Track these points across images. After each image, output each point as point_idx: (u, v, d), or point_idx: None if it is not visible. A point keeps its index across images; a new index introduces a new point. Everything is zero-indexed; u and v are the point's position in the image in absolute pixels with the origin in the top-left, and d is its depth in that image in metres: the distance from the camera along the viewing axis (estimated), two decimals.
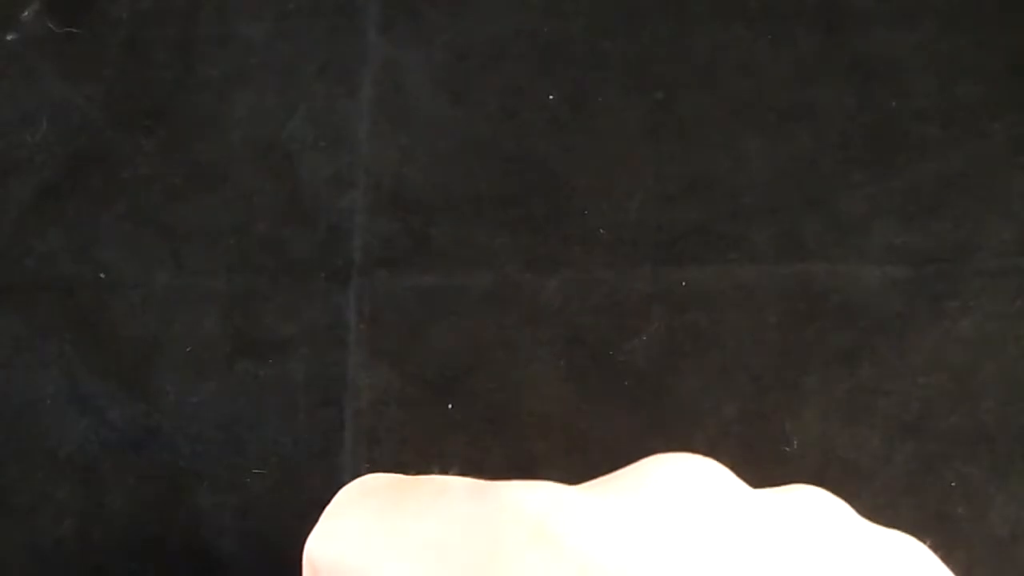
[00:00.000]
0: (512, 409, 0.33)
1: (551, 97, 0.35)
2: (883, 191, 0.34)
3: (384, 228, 0.34)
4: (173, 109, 0.35)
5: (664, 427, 0.33)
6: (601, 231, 0.34)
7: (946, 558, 0.32)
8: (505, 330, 0.33)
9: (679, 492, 0.18)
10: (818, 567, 0.18)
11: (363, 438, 0.32)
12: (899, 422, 0.33)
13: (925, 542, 0.20)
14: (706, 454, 0.32)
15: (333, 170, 0.35)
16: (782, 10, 0.36)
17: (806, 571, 0.17)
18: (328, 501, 0.22)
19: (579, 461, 0.32)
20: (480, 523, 0.18)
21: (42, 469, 0.32)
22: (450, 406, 0.33)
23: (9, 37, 0.35)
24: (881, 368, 0.33)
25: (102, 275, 0.34)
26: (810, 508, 0.19)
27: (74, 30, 0.35)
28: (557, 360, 0.33)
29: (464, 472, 0.32)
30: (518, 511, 0.18)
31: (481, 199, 0.34)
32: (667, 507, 0.18)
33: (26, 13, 0.35)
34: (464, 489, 0.19)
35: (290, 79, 0.35)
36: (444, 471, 0.32)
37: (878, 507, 0.32)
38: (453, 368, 0.33)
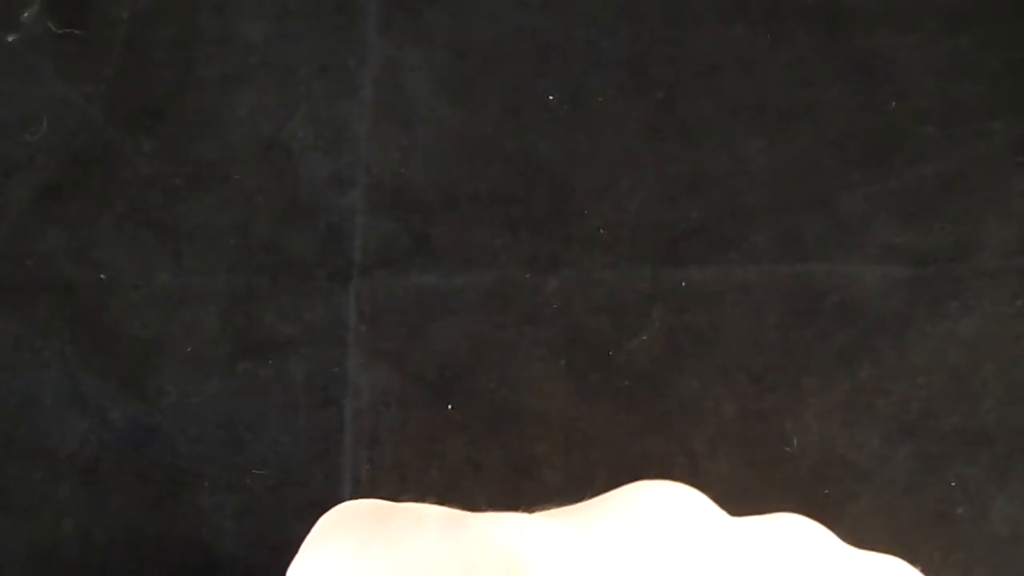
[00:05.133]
0: (512, 409, 0.33)
1: (551, 97, 0.35)
2: (883, 191, 0.34)
3: (384, 228, 0.34)
4: (173, 109, 0.35)
5: (664, 427, 0.33)
6: (601, 231, 0.34)
7: (946, 558, 0.32)
8: (505, 330, 0.33)
9: (655, 521, 0.18)
10: None
11: (363, 438, 0.32)
12: (899, 422, 0.33)
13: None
14: (706, 454, 0.32)
15: (333, 170, 0.35)
16: (782, 10, 0.36)
17: None
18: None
19: (579, 461, 0.32)
20: (451, 558, 0.18)
21: (42, 469, 0.32)
22: (450, 406, 0.33)
23: (9, 38, 0.35)
24: (881, 368, 0.33)
25: (102, 275, 0.34)
26: (792, 536, 0.19)
27: (74, 30, 0.35)
28: (557, 360, 0.33)
29: (462, 472, 0.32)
30: (489, 544, 0.18)
31: (481, 199, 0.34)
32: (643, 537, 0.18)
33: (26, 13, 0.35)
34: (437, 520, 0.19)
35: (290, 79, 0.35)
36: (440, 471, 0.32)
37: (878, 507, 0.32)
38: (453, 368, 0.33)
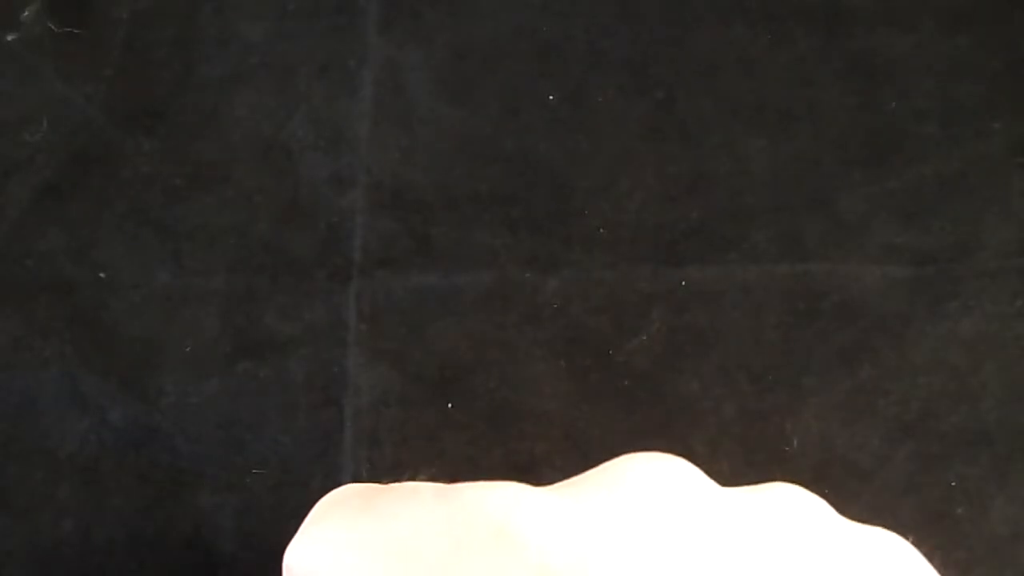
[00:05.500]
0: (512, 409, 0.33)
1: (551, 97, 0.35)
2: (883, 191, 0.34)
3: (384, 228, 0.34)
4: (173, 109, 0.35)
5: (664, 427, 0.33)
6: (601, 231, 0.34)
7: (946, 558, 0.32)
8: (505, 330, 0.33)
9: (647, 492, 0.18)
10: (793, 565, 0.17)
11: (363, 438, 0.32)
12: (899, 422, 0.33)
13: (922, 545, 0.20)
14: (706, 454, 0.32)
15: (333, 170, 0.35)
16: (782, 10, 0.36)
17: (780, 570, 0.17)
18: None
19: (579, 461, 0.32)
20: (443, 525, 0.18)
21: (42, 469, 0.32)
22: (450, 406, 0.33)
23: (9, 37, 0.35)
24: (881, 368, 0.33)
25: (102, 275, 0.34)
26: (785, 506, 0.19)
27: (74, 30, 0.35)
28: (557, 360, 0.33)
29: (462, 472, 0.32)
30: (480, 512, 0.18)
31: (481, 199, 0.34)
32: (634, 507, 0.18)
33: (26, 13, 0.35)
34: (430, 492, 0.19)
35: (290, 79, 0.35)
36: (440, 471, 0.32)
37: (878, 507, 0.32)
38: (453, 368, 0.33)
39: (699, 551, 0.17)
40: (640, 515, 0.18)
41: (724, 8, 0.36)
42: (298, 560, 0.20)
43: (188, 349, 0.33)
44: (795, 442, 0.32)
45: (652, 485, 0.18)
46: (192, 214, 0.34)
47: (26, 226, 0.34)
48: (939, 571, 0.20)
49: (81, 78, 0.35)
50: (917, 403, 0.33)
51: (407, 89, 0.35)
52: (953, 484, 0.32)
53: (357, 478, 0.32)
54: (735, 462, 0.32)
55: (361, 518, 0.19)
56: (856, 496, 0.32)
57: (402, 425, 0.33)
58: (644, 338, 0.33)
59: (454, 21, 0.36)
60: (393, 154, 0.35)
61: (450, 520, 0.18)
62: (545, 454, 0.32)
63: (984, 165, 0.34)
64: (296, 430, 0.33)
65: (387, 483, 0.22)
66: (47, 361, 0.33)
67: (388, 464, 0.32)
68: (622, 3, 0.36)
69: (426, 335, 0.33)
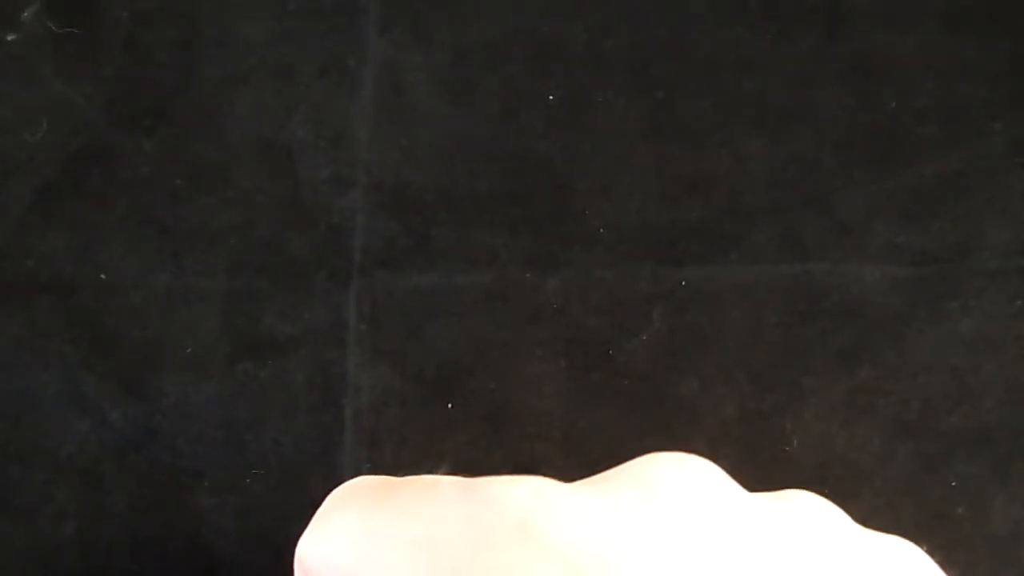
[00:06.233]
0: (512, 409, 0.33)
1: (551, 97, 0.35)
2: (883, 191, 0.34)
3: (384, 228, 0.34)
4: (173, 109, 0.35)
5: (664, 427, 0.33)
6: (601, 231, 0.34)
7: (946, 558, 0.32)
8: (505, 330, 0.33)
9: (670, 491, 0.18)
10: (811, 571, 0.18)
11: (363, 438, 0.32)
12: (899, 422, 0.33)
13: (922, 545, 0.20)
14: (706, 454, 0.32)
15: (333, 170, 0.35)
16: (782, 10, 0.36)
17: (798, 575, 0.17)
18: None
19: (579, 461, 0.32)
20: (466, 520, 0.18)
21: (42, 469, 0.32)
22: (450, 406, 0.33)
23: (9, 37, 0.35)
24: (881, 368, 0.33)
25: (102, 275, 0.34)
26: (804, 513, 0.19)
27: (74, 30, 0.35)
28: (557, 360, 0.33)
29: (459, 471, 0.32)
30: (503, 508, 0.18)
31: (481, 199, 0.34)
32: (659, 504, 0.18)
33: (26, 13, 0.35)
34: (452, 486, 0.19)
35: (290, 79, 0.35)
36: (440, 472, 0.32)
37: (878, 507, 0.32)
38: (453, 368, 0.33)
39: (723, 552, 0.17)
40: (665, 513, 0.18)
41: (724, 8, 0.36)
42: (311, 551, 0.20)
43: (188, 349, 0.33)
44: (795, 442, 0.32)
45: (677, 483, 0.18)
46: (192, 214, 0.34)
47: (26, 226, 0.34)
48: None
49: (81, 78, 0.35)
50: (917, 403, 0.33)
51: (407, 89, 0.35)
52: (953, 484, 0.32)
53: (357, 478, 0.32)
54: (735, 462, 0.32)
55: (379, 509, 0.19)
56: (856, 496, 0.32)
57: (402, 425, 0.33)
58: (644, 338, 0.33)
59: (454, 21, 0.36)
60: (393, 154, 0.35)
61: (472, 513, 0.18)
62: (545, 454, 0.32)
63: (984, 165, 0.34)
64: (296, 430, 0.33)
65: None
66: (47, 361, 0.33)
67: (388, 464, 0.32)
68: (622, 3, 0.36)
69: (426, 335, 0.33)
